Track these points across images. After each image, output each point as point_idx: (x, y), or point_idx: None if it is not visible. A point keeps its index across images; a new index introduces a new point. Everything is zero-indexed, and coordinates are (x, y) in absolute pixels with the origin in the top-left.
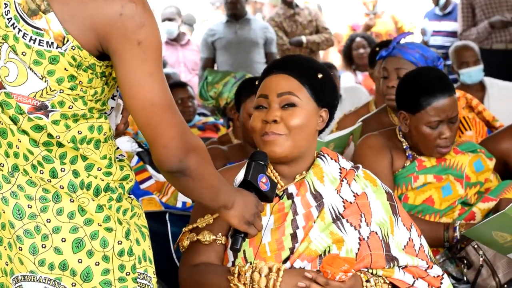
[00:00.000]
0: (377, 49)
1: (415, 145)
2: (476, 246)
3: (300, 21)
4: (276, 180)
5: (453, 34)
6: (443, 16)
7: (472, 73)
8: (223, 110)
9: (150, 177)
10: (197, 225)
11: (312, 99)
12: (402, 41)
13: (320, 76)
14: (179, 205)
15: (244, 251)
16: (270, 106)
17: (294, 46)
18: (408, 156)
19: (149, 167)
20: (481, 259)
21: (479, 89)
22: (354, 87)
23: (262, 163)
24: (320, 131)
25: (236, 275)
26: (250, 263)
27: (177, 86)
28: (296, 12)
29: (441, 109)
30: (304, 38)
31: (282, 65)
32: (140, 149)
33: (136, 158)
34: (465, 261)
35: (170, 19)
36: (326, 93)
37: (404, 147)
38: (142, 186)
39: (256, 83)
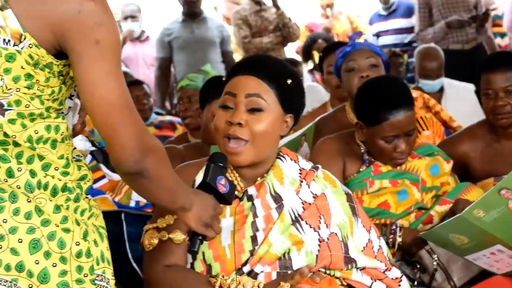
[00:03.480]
0: (321, 54)
1: (375, 156)
2: (430, 250)
3: (266, 16)
4: (236, 182)
5: (401, 31)
6: (388, 15)
7: (432, 85)
8: None
9: (103, 177)
10: (157, 225)
11: (279, 103)
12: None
13: (289, 81)
14: (132, 204)
15: (203, 253)
16: (237, 107)
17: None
18: (365, 161)
19: (102, 166)
20: (434, 263)
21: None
22: (312, 86)
23: (222, 165)
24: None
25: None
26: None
27: (132, 84)
28: (263, 8)
29: (397, 126)
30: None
31: (252, 67)
32: (93, 148)
33: (89, 157)
34: (418, 266)
35: (132, 17)
36: (294, 99)
37: (362, 151)
38: (95, 186)
39: (224, 79)
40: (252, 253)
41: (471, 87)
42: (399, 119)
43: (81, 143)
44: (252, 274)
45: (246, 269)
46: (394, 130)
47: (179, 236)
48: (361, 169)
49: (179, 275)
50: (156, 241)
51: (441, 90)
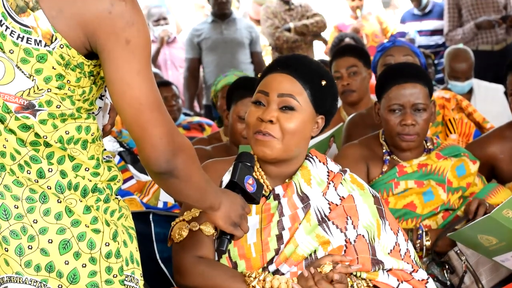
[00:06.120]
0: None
1: (387, 138)
2: (458, 252)
3: (294, 15)
4: (261, 180)
5: (435, 32)
6: (423, 15)
7: (461, 87)
8: (214, 105)
9: (131, 177)
10: (183, 218)
11: (311, 104)
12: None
13: (324, 83)
14: (160, 205)
15: (228, 250)
16: (269, 105)
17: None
18: (385, 161)
19: (130, 167)
20: (463, 265)
21: None
22: None
23: (249, 164)
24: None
25: (253, 279)
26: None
27: (161, 85)
28: (291, 7)
29: (402, 94)
30: (291, 24)
31: (288, 65)
32: (121, 149)
33: (117, 157)
34: (447, 266)
35: (164, 18)
36: (326, 100)
37: (384, 151)
38: (123, 187)
39: (259, 75)
40: (277, 251)
41: (500, 88)
42: (404, 87)
43: (109, 144)
44: (279, 274)
45: (271, 268)
46: (399, 98)
47: (209, 228)
48: (383, 170)
49: (211, 266)
50: (185, 232)
51: (471, 91)
